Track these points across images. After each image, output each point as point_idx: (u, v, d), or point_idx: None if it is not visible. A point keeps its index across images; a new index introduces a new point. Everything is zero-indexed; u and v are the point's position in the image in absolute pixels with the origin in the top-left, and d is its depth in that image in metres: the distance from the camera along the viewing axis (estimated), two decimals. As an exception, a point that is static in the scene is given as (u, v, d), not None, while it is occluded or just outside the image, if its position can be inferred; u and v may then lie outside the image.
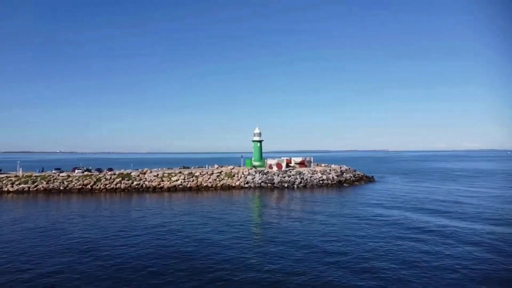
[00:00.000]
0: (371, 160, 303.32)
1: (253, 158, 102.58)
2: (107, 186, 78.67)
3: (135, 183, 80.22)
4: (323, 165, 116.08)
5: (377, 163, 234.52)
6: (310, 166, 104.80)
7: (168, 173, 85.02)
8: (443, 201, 61.85)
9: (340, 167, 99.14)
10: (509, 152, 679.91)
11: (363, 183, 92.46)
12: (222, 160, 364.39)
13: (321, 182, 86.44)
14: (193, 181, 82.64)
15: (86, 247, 35.20)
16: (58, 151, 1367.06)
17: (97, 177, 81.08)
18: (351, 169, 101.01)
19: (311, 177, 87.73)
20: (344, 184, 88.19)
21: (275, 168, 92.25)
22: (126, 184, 79.65)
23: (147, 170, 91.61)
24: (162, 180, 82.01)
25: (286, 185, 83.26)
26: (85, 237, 39.17)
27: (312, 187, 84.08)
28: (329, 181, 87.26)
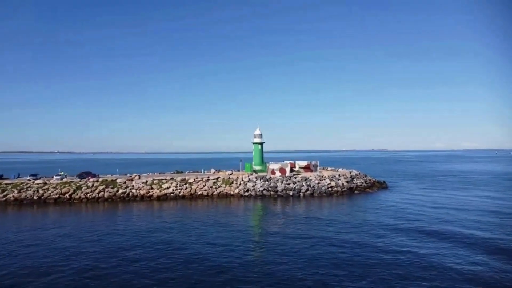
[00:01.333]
0: (374, 161, 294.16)
1: (253, 162, 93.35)
2: (88, 195, 69.29)
3: (120, 191, 70.89)
4: (329, 169, 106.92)
5: (382, 165, 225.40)
6: (316, 170, 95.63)
7: (158, 180, 75.67)
8: (480, 216, 52.64)
9: (350, 172, 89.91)
10: (511, 153, 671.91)
11: (375, 190, 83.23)
12: (221, 161, 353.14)
13: (329, 189, 77.23)
14: (186, 188, 73.36)
15: (58, 269, 29.15)
16: (56, 151, 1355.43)
17: (77, 184, 71.65)
18: (361, 174, 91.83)
19: (318, 183, 78.51)
20: (355, 192, 79.01)
21: (278, 174, 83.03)
22: (110, 192, 70.30)
23: (135, 176, 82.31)
24: (152, 188, 72.70)
25: (291, 193, 74.04)
26: (59, 259, 32.08)
27: (320, 195, 74.89)
28: (339, 188, 78.05)
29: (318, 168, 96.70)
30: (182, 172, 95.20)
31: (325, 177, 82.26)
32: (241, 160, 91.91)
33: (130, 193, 70.85)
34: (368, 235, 41.93)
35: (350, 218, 51.94)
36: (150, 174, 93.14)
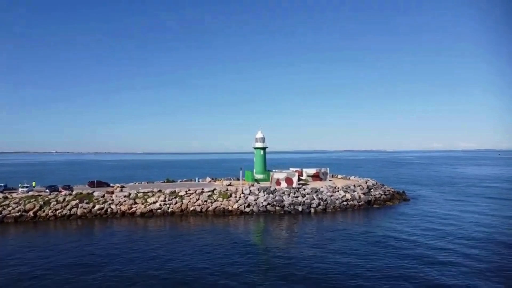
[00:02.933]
0: (379, 164, 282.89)
1: (254, 170, 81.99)
2: (58, 212, 57.77)
3: (97, 206, 59.43)
4: (340, 176, 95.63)
5: (389, 168, 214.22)
6: (326, 179, 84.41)
7: (143, 193, 64.17)
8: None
9: (366, 181, 78.53)
10: None
11: (396, 202, 71.91)
12: (221, 162, 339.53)
13: (345, 203, 65.93)
14: (176, 203, 61.93)
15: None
16: (54, 152, 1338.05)
17: (45, 199, 60.06)
18: (378, 183, 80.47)
19: (331, 196, 67.23)
20: (374, 206, 67.75)
21: (283, 184, 71.68)
22: (85, 208, 58.84)
23: (117, 186, 70.78)
24: (135, 202, 61.26)
25: (300, 208, 62.69)
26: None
27: (334, 210, 63.64)
28: (355, 202, 66.78)
29: (328, 176, 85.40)
30: (173, 181, 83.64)
31: (338, 188, 70.94)
32: (241, 168, 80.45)
33: (109, 209, 59.39)
34: (409, 271, 30.82)
35: (377, 245, 40.82)
36: (137, 183, 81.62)
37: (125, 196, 62.65)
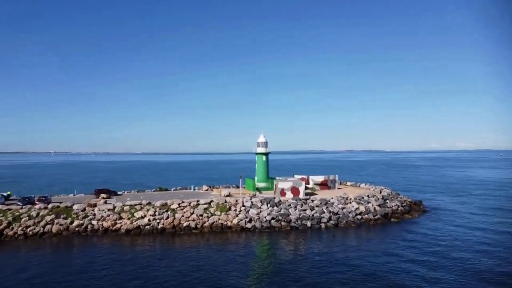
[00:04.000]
0: (383, 166, 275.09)
1: (256, 177, 74.25)
2: (29, 229, 49.91)
3: (76, 222, 51.63)
4: (348, 184, 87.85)
5: (394, 171, 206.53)
6: (334, 187, 76.76)
7: (130, 205, 56.35)
8: None
9: (380, 191, 70.74)
10: None
11: (416, 215, 64.13)
12: (220, 164, 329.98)
13: (359, 217, 58.20)
14: (167, 218, 54.12)
15: None
16: (52, 152, 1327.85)
17: (15, 214, 52.17)
18: (393, 192, 72.66)
19: (343, 209, 59.51)
20: (392, 219, 60.04)
21: (289, 195, 63.95)
22: (61, 225, 51.04)
23: (101, 197, 62.91)
24: (120, 217, 53.44)
25: (308, 223, 54.94)
26: None
27: (347, 225, 55.93)
28: (370, 215, 59.04)
29: (337, 184, 77.68)
30: (166, 190, 75.82)
31: (351, 199, 63.18)
32: (241, 176, 72.62)
33: (89, 226, 51.55)
34: None
35: (405, 273, 33.00)
36: (126, 192, 73.76)
37: (109, 210, 54.85)
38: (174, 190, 76.43)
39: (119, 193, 71.12)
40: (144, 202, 57.84)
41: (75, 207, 54.87)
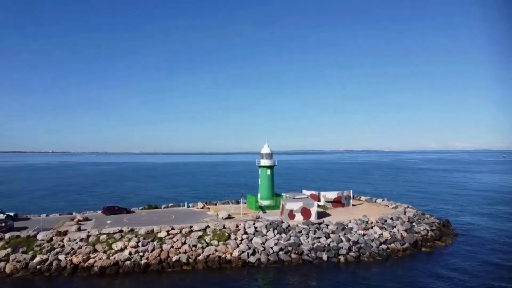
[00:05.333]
0: (387, 170, 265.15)
1: (259, 194, 64.38)
2: (-22, 268, 39.88)
3: (38, 258, 41.63)
4: (363, 199, 77.89)
5: (401, 176, 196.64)
6: (349, 204, 67.01)
7: (107, 234, 46.36)
8: None
9: (405, 211, 60.78)
10: None
11: (449, 242, 54.25)
12: (220, 165, 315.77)
13: (384, 247, 48.37)
14: (153, 249, 44.19)
15: None
16: (50, 151, 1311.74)
17: (-38, 248, 42.12)
18: (418, 212, 62.74)
19: (364, 236, 49.69)
20: (423, 249, 50.22)
21: (299, 217, 54.09)
22: (19, 261, 41.03)
23: (73, 222, 52.83)
24: (95, 250, 43.48)
25: (324, 256, 45.08)
26: None
27: (371, 257, 46.08)
28: (397, 244, 49.15)
29: (351, 200, 67.93)
30: (156, 207, 65.85)
31: (372, 223, 53.32)
32: (242, 194, 62.70)
33: (55, 262, 41.56)
34: None
35: None
36: (139, 209, 63.14)
37: (81, 240, 44.88)
38: (164, 207, 66.46)
39: (131, 209, 62.41)
40: (125, 229, 47.85)
41: (39, 236, 44.87)
